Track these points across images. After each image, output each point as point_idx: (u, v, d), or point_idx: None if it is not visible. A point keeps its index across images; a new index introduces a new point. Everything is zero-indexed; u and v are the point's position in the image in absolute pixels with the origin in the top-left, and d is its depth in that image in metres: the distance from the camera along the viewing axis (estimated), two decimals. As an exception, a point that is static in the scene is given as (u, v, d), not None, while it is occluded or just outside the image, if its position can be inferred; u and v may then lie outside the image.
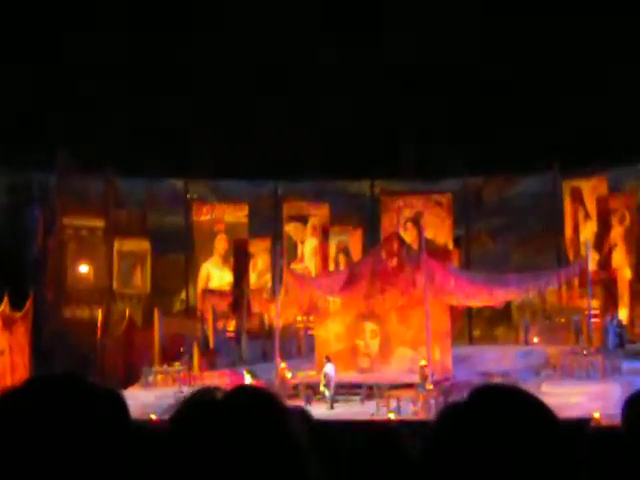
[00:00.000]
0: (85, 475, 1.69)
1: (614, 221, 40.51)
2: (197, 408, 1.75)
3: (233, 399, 1.75)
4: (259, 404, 1.74)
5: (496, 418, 1.73)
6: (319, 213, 45.02)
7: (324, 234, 44.80)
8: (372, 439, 3.56)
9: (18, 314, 33.73)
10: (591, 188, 41.67)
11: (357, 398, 29.85)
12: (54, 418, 1.71)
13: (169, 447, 1.71)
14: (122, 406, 1.85)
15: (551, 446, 1.72)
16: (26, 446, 1.67)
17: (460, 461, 1.71)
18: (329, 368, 30.18)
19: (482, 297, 32.99)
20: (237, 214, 44.88)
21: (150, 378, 34.92)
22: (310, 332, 37.64)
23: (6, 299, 33.01)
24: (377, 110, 41.51)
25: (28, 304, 34.23)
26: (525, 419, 1.74)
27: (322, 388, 29.74)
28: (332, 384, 29.77)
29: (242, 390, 1.79)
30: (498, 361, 33.85)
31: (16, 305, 33.62)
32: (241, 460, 1.65)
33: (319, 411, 25.09)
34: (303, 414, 1.85)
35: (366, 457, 3.49)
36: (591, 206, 41.53)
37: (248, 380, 30.19)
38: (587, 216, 41.77)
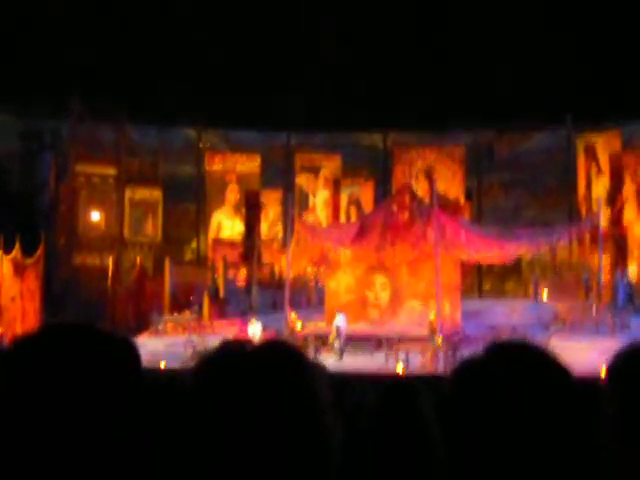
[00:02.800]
0: (97, 423, 1.69)
1: (627, 177, 40.33)
2: (225, 360, 1.74)
3: (262, 353, 1.74)
4: (287, 359, 1.74)
5: (513, 374, 1.73)
6: (331, 165, 44.94)
7: (336, 186, 44.74)
8: (387, 391, 3.57)
9: (29, 260, 33.87)
10: (604, 144, 41.46)
11: (366, 350, 29.94)
12: (68, 366, 1.71)
13: (194, 398, 1.71)
14: (135, 355, 1.85)
15: (568, 402, 1.72)
16: (40, 394, 1.67)
17: (477, 417, 1.71)
18: (340, 320, 30.25)
19: (493, 252, 32.96)
20: (249, 164, 44.84)
21: (160, 326, 35.09)
22: (320, 283, 37.71)
23: (17, 245, 33.13)
24: (390, 62, 41.32)
25: (39, 251, 34.36)
26: (541, 375, 1.74)
27: (332, 340, 29.84)
28: (342, 335, 29.88)
29: (271, 344, 1.78)
30: (507, 316, 33.91)
31: (27, 252, 33.76)
32: (266, 414, 1.65)
33: (328, 362, 25.22)
34: (325, 371, 1.83)
35: (380, 409, 3.50)
36: (604, 162, 41.35)
37: (256, 326, 30.37)
38: (600, 172, 41.61)
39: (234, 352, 1.76)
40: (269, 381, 1.68)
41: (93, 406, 1.69)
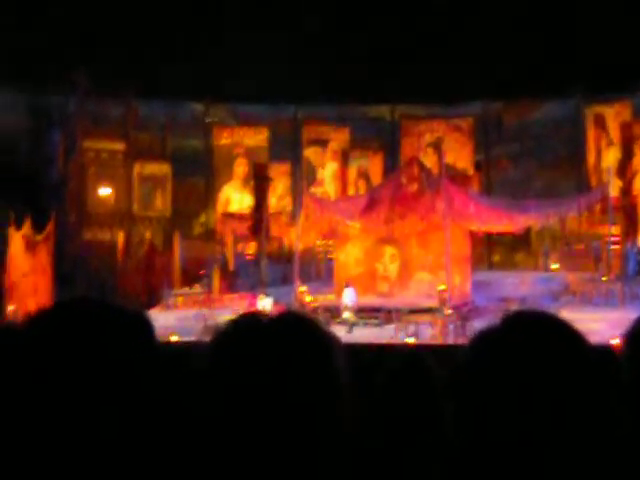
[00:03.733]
0: (112, 397, 1.71)
1: (637, 147, 40.19)
2: (242, 332, 1.75)
3: (278, 324, 1.75)
4: (303, 330, 1.74)
5: (530, 343, 1.73)
6: (339, 137, 44.87)
7: (344, 158, 44.69)
8: (398, 363, 3.59)
9: (40, 237, 33.95)
10: (614, 114, 41.32)
11: (376, 322, 29.99)
12: (84, 340, 1.73)
13: (211, 371, 1.72)
14: (149, 329, 1.87)
15: (586, 371, 1.72)
16: (54, 370, 1.69)
17: (493, 387, 1.71)
18: (348, 295, 30.28)
19: (502, 223, 32.92)
20: (257, 138, 44.79)
21: (170, 301, 35.17)
22: (329, 256, 37.74)
23: (28, 222, 33.20)
24: (395, 32, 41.13)
25: (49, 227, 34.42)
26: (559, 345, 1.74)
27: (347, 315, 29.82)
28: (352, 309, 29.95)
29: (286, 315, 1.79)
30: (517, 287, 33.89)
31: (37, 228, 33.84)
32: (283, 386, 1.66)
33: (338, 335, 25.23)
34: (341, 343, 1.84)
35: (392, 381, 3.52)
36: (614, 132, 41.22)
37: (266, 300, 30.44)
38: (610, 142, 41.48)
39: (250, 324, 1.77)
40: (286, 352, 1.70)
41: (110, 379, 1.71)
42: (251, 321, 1.78)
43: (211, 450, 1.67)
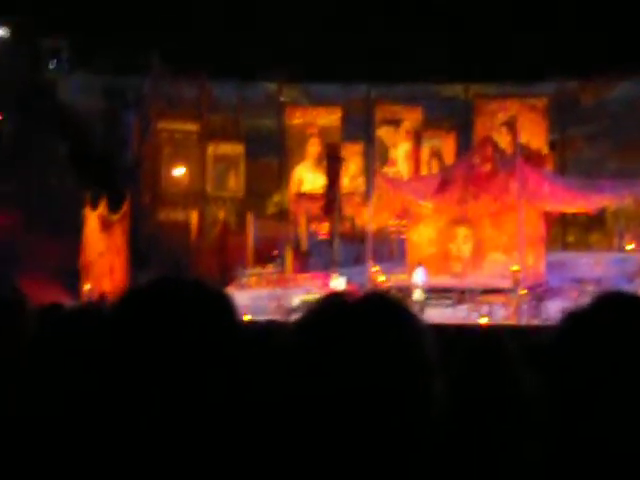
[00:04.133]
0: (200, 376, 1.74)
1: None
2: (328, 312, 1.76)
3: (365, 305, 1.76)
4: (392, 311, 1.75)
5: (622, 326, 1.70)
6: (412, 117, 44.60)
7: (417, 138, 44.42)
8: (474, 343, 3.60)
9: (115, 217, 34.39)
10: (692, 92, 40.61)
11: (448, 302, 29.90)
12: (173, 321, 1.76)
13: (296, 351, 1.74)
14: (233, 307, 1.90)
15: None
16: (147, 350, 1.73)
17: (585, 370, 1.69)
18: (419, 274, 30.21)
19: (576, 203, 32.60)
20: (330, 117, 44.69)
21: (244, 280, 35.39)
22: (402, 236, 37.63)
23: (103, 202, 33.63)
24: (471, 13, 40.83)
25: (124, 207, 34.84)
26: None
27: (418, 295, 29.76)
28: (422, 288, 29.90)
29: (374, 296, 1.79)
30: (591, 268, 33.50)
31: (113, 209, 34.27)
32: (371, 367, 1.67)
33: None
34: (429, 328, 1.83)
35: (468, 361, 3.53)
36: (691, 111, 40.50)
37: (339, 280, 30.50)
38: (687, 121, 40.75)
39: (337, 305, 1.77)
40: (374, 333, 1.70)
41: (200, 359, 1.74)
42: (337, 302, 1.78)
43: (297, 429, 1.69)
